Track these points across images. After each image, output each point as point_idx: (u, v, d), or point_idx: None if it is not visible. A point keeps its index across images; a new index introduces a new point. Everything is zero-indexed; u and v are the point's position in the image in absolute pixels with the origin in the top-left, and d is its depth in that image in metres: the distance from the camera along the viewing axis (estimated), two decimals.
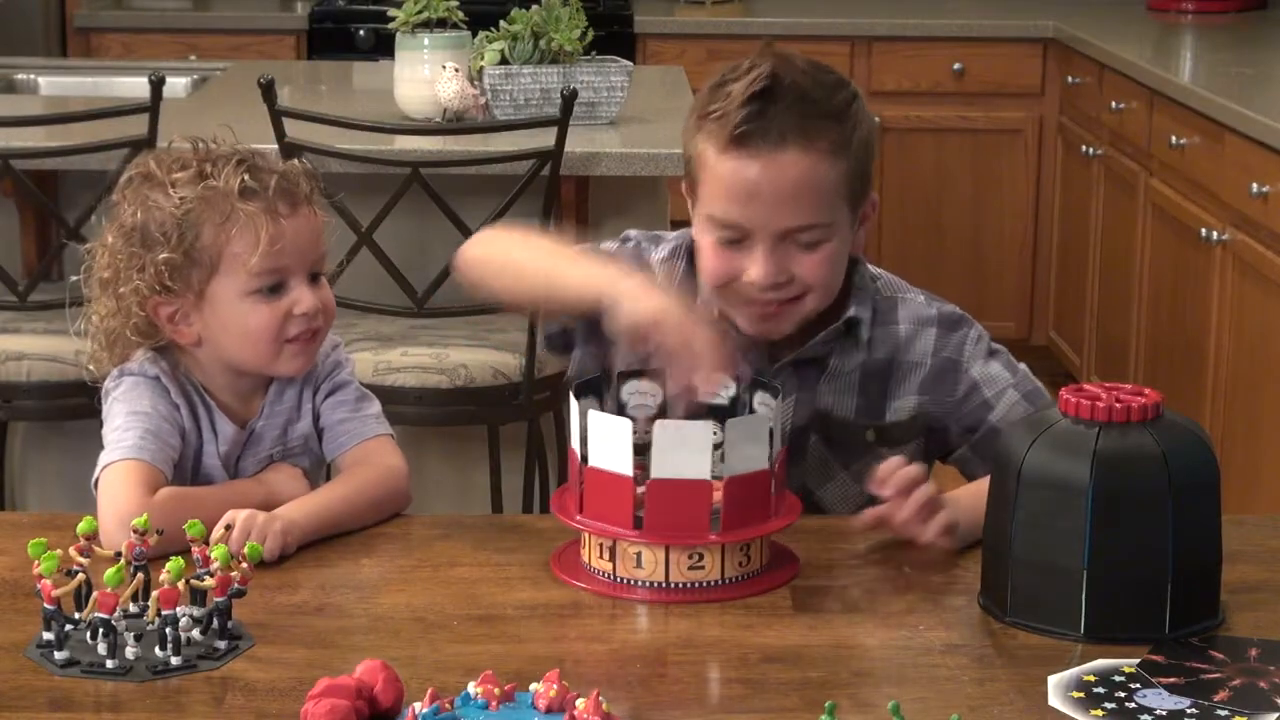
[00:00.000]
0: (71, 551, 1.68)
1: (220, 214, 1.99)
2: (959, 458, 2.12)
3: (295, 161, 2.10)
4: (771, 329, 2.03)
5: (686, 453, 1.78)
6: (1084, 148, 5.11)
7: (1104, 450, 1.70)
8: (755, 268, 1.98)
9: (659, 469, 1.79)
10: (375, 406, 2.13)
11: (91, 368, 2.10)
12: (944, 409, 2.10)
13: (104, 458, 1.97)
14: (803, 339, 2.07)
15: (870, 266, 2.15)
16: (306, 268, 2.03)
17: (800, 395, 2.07)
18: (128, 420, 1.99)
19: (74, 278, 2.11)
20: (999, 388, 2.09)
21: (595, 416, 1.81)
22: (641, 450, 1.80)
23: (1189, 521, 1.71)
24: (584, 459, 1.82)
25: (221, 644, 1.66)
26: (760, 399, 1.89)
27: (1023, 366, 2.12)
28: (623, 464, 1.79)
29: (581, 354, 2.13)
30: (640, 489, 1.80)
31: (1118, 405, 1.73)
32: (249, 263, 1.99)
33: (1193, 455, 1.73)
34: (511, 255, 2.07)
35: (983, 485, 1.86)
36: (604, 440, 1.80)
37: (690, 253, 2.09)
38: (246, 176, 2.00)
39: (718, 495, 1.80)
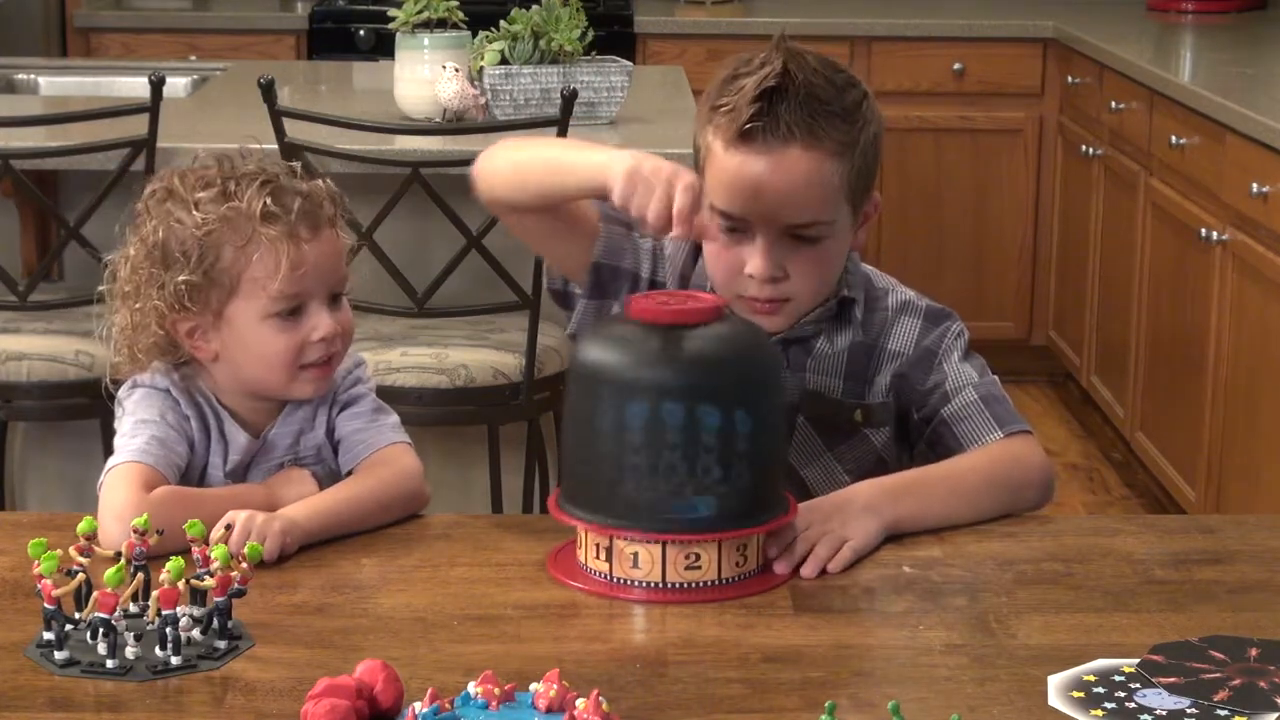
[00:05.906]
0: (71, 551, 1.68)
1: (241, 236, 1.97)
2: (918, 456, 2.13)
3: (319, 182, 2.06)
4: (764, 324, 2.03)
5: None
6: (1084, 148, 5.11)
7: (682, 351, 1.76)
8: (753, 260, 2.01)
9: None
10: (393, 418, 2.11)
11: (109, 378, 2.07)
12: (911, 395, 2.11)
13: (109, 463, 1.97)
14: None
15: (864, 265, 2.16)
16: (326, 291, 2.02)
17: (789, 375, 2.08)
18: (135, 428, 1.98)
19: (101, 287, 2.07)
20: (960, 384, 2.09)
21: None
22: None
23: (763, 413, 1.79)
24: None
25: (221, 644, 1.66)
26: None
27: (994, 377, 2.12)
28: None
29: (583, 309, 2.13)
30: None
31: (684, 308, 1.79)
32: (269, 287, 1.97)
33: (760, 350, 1.82)
34: (513, 156, 2.06)
35: (911, 474, 1.99)
36: None
37: (697, 243, 2.10)
38: (269, 200, 1.97)
39: None
